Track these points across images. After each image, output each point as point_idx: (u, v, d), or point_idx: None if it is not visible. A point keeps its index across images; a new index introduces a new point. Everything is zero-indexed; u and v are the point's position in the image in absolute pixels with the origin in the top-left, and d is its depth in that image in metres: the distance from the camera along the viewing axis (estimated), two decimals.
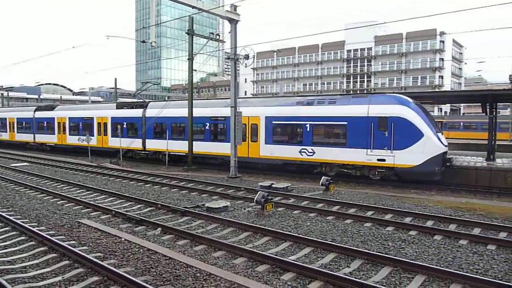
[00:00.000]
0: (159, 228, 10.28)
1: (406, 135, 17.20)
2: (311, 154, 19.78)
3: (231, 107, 20.08)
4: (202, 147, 23.64)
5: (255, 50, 21.33)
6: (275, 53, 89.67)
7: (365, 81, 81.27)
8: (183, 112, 24.13)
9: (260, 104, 22.50)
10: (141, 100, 29.82)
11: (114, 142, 28.33)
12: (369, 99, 18.60)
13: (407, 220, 11.47)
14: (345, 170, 19.21)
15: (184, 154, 24.22)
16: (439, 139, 17.47)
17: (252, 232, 10.10)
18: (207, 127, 23.62)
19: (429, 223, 11.15)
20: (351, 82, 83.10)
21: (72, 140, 32.34)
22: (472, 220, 11.21)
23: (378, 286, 6.55)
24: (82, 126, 31.30)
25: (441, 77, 74.88)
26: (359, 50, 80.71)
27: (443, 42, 73.71)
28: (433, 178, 17.59)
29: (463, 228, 10.73)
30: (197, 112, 23.57)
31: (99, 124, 30.01)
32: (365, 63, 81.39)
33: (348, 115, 18.66)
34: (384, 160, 17.67)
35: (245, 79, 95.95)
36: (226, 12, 19.64)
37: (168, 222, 11.16)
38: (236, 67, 20.52)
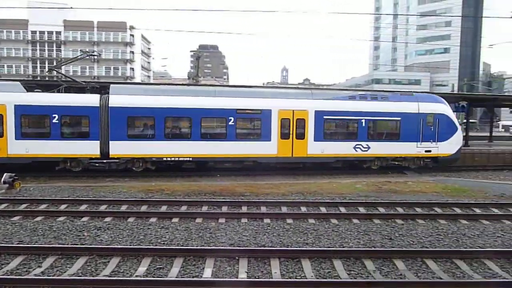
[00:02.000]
0: None
1: (447, 129, 20.37)
2: (366, 149, 19.68)
3: None
4: (221, 148, 18.64)
5: None
6: None
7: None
8: (186, 101, 18.39)
9: (306, 97, 19.83)
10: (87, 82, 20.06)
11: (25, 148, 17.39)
12: (417, 97, 20.65)
13: (103, 208, 11.69)
14: (396, 162, 20.51)
15: (187, 159, 18.64)
16: None
17: None
18: (230, 123, 18.61)
19: (123, 208, 11.76)
20: (38, 67, 75.14)
21: None
22: (160, 200, 12.61)
23: (72, 278, 6.46)
24: None
25: (132, 69, 78.79)
26: (46, 32, 73.76)
27: (133, 36, 77.46)
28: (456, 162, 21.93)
29: (153, 207, 11.93)
30: (215, 103, 18.64)
31: None
32: (54, 48, 75.36)
33: (402, 111, 19.91)
34: (430, 151, 20.13)
35: None
36: None
37: None
38: None
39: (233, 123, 18.58)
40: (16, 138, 17.07)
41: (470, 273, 7.32)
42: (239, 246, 8.47)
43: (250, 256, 7.73)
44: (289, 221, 10.61)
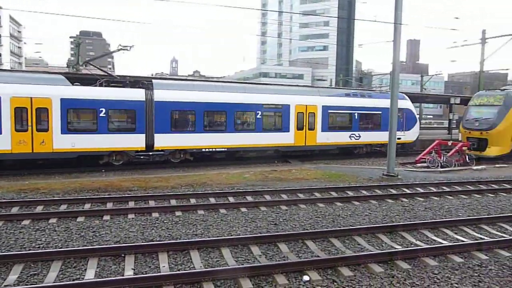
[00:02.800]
0: None
1: (411, 121, 26.01)
2: (358, 138, 24.11)
3: None
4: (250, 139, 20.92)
5: None
6: None
7: None
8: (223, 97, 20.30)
9: (315, 94, 23.41)
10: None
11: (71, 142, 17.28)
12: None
13: None
14: (377, 148, 25.31)
15: (222, 149, 20.52)
16: None
17: None
18: (258, 116, 21.05)
19: None
20: None
21: None
22: (35, 200, 11.44)
23: None
24: None
25: (0, 54, 69.38)
26: None
27: None
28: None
29: (26, 208, 10.78)
30: (246, 98, 20.89)
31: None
32: None
33: (382, 106, 24.48)
34: (400, 138, 23.21)
35: None
36: None
37: None
38: None
39: (260, 117, 21.10)
40: (62, 132, 16.99)
41: (343, 249, 8.17)
42: (125, 243, 8.16)
43: (137, 252, 7.50)
44: (178, 213, 10.55)
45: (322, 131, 22.76)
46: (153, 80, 19.88)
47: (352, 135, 24.09)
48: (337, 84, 67.21)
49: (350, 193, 13.52)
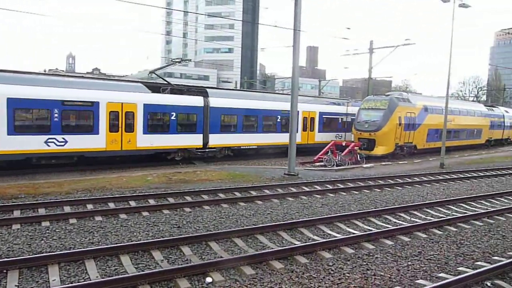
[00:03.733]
0: None
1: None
2: (341, 137, 29.32)
3: None
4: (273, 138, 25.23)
5: None
6: None
7: None
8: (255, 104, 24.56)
9: (315, 103, 29.81)
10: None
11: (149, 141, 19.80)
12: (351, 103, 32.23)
13: None
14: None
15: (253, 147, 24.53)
16: None
17: None
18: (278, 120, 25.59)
19: None
20: None
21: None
22: None
23: None
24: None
25: None
26: None
27: None
28: None
29: None
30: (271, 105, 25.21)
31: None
32: None
33: (353, 112, 29.02)
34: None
35: None
36: None
37: None
38: None
39: (279, 120, 25.50)
40: (144, 133, 19.28)
41: (246, 249, 8.32)
42: (8, 257, 7.30)
43: (22, 267, 6.77)
44: (73, 221, 9.80)
45: (319, 132, 28.57)
46: (208, 89, 23.59)
47: (337, 135, 29.78)
48: (242, 86, 68.49)
49: (253, 193, 13.86)
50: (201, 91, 22.95)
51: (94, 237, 8.68)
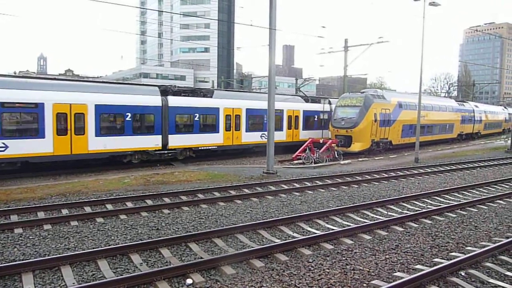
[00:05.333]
0: None
1: None
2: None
3: None
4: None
5: None
6: None
7: None
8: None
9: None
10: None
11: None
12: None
13: None
14: None
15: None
16: None
17: None
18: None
19: None
20: None
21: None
22: None
23: None
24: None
25: None
26: None
27: None
28: None
29: None
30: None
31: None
32: None
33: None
34: None
35: None
36: None
37: None
38: None
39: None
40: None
41: (226, 248, 8.30)
42: None
43: None
44: (47, 227, 9.55)
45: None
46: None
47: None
48: (219, 85, 68.19)
49: (233, 192, 13.83)
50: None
51: (70, 243, 8.48)
